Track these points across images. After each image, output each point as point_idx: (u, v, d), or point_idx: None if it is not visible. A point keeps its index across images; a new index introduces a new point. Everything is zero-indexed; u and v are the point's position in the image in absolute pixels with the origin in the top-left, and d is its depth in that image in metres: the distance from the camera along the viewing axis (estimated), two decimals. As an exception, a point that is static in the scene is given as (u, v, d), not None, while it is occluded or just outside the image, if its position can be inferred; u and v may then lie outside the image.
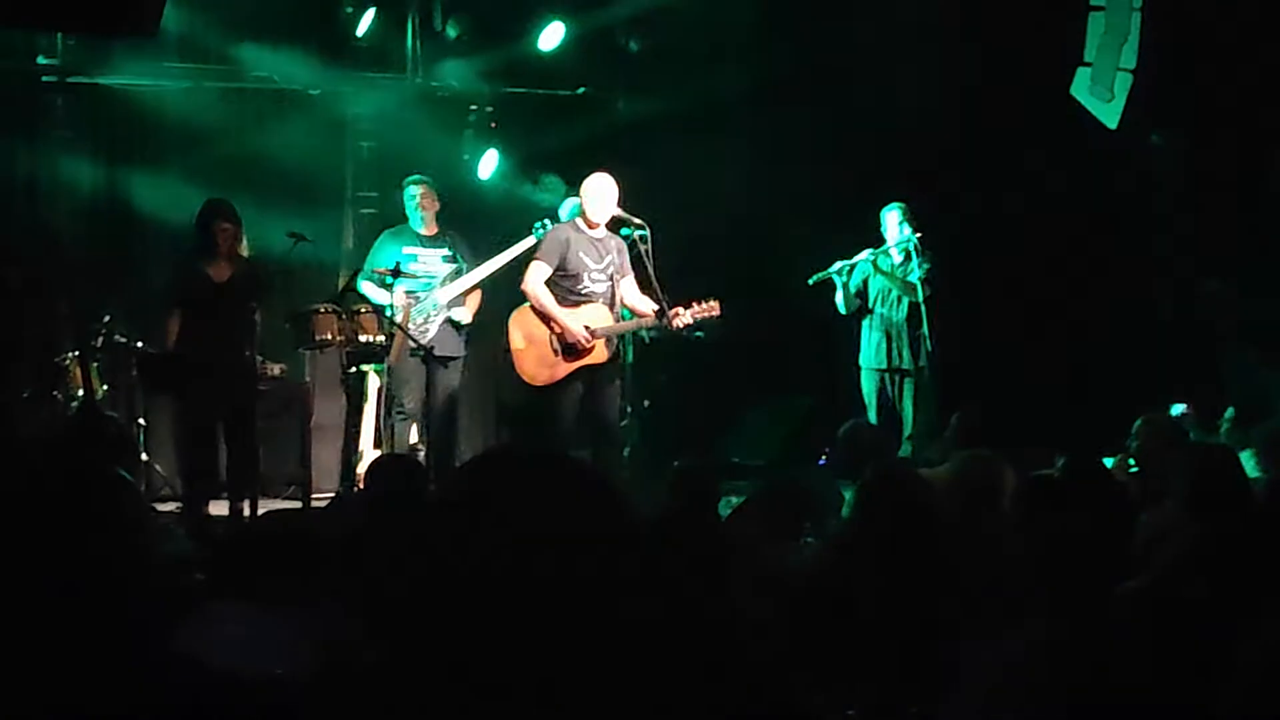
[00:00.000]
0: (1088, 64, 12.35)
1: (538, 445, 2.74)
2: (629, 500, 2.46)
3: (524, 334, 10.82)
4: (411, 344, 10.97)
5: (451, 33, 12.89)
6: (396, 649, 2.35)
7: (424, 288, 11.37)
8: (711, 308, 10.79)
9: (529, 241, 11.26)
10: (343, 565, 4.98)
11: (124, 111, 12.46)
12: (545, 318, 10.73)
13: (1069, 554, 4.27)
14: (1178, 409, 11.08)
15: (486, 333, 11.81)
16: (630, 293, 10.96)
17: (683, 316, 10.72)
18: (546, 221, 11.27)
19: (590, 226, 10.83)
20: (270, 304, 10.72)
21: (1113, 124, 12.33)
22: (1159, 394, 11.78)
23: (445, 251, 11.55)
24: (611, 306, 10.89)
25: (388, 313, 10.97)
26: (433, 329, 11.33)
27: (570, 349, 10.72)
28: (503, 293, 11.31)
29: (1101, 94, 12.29)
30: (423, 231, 11.55)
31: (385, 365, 11.18)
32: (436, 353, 11.15)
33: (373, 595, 4.29)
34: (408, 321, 11.13)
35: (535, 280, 10.72)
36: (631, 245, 11.02)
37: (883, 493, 5.83)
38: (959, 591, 5.15)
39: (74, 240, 12.40)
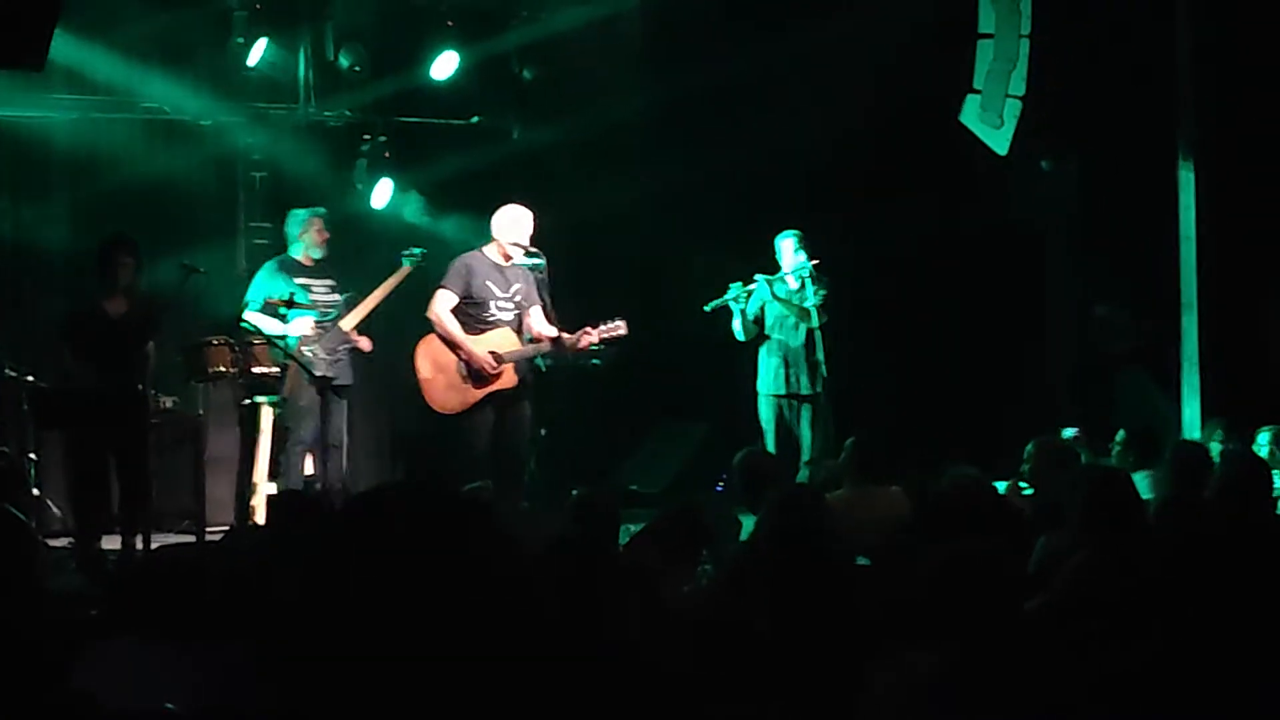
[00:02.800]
0: (977, 91, 12.43)
1: (439, 476, 2.73)
2: (521, 534, 2.45)
3: (431, 363, 10.83)
4: (306, 376, 10.88)
5: (344, 62, 12.81)
6: (288, 686, 2.33)
7: (328, 317, 11.33)
8: (617, 327, 10.92)
9: (405, 270, 11.25)
10: (237, 601, 4.94)
11: (11, 144, 12.29)
12: (451, 345, 10.74)
13: (968, 576, 4.29)
14: (1069, 432, 11.20)
15: (382, 365, 11.77)
16: (538, 322, 11.00)
17: (590, 336, 10.83)
18: (418, 250, 11.26)
19: (504, 258, 10.87)
20: (162, 337, 10.62)
21: (1003, 150, 12.42)
22: (1051, 417, 11.90)
23: (331, 281, 11.52)
24: (518, 334, 10.93)
25: (282, 343, 10.89)
26: (344, 359, 11.32)
27: (478, 376, 10.75)
28: (410, 324, 11.25)
29: (991, 120, 12.38)
30: (309, 262, 11.48)
31: (280, 397, 11.11)
32: (339, 383, 11.13)
33: (266, 632, 4.26)
34: (301, 352, 11.05)
35: (441, 308, 10.76)
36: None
37: (788, 517, 5.86)
38: (861, 615, 5.17)
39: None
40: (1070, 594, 5.54)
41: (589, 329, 10.92)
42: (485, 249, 11.01)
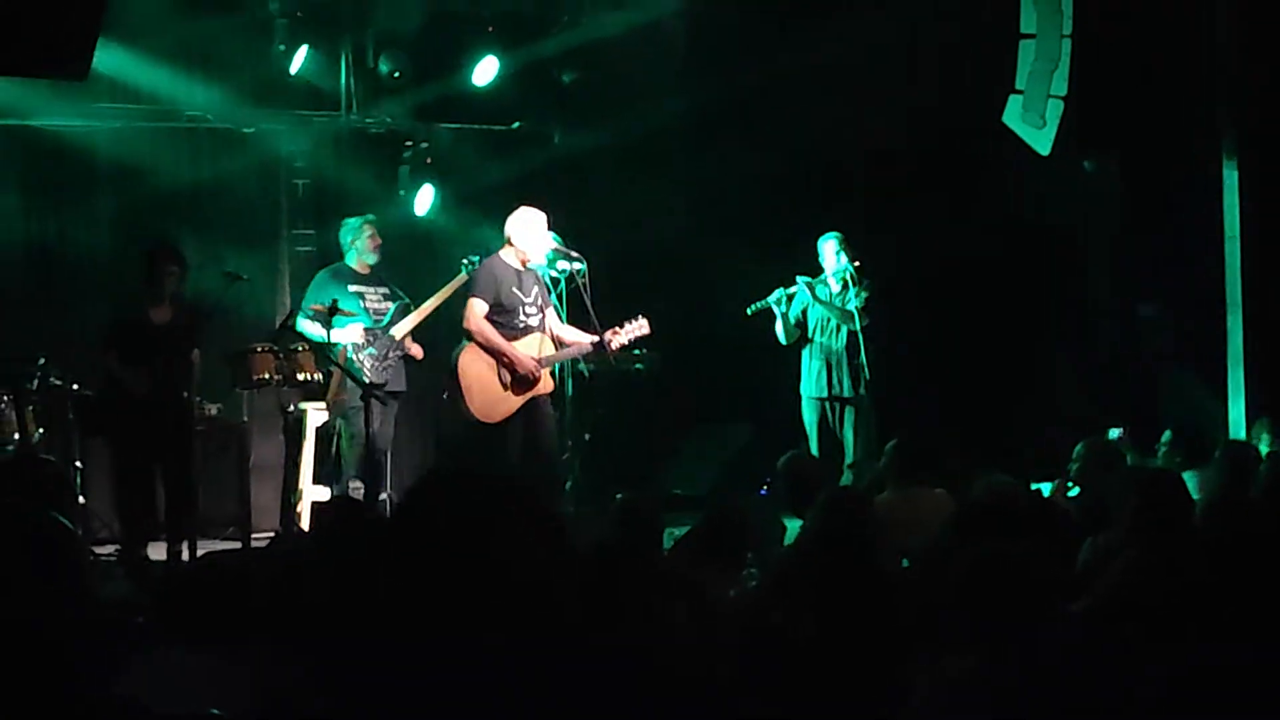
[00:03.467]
0: (1019, 91, 12.40)
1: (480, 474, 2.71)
2: (571, 528, 2.45)
3: (472, 372, 10.76)
4: (351, 382, 10.87)
5: (385, 69, 12.85)
6: (337, 692, 2.33)
7: (380, 324, 11.35)
8: (640, 325, 10.92)
9: (462, 278, 11.22)
10: (283, 606, 4.94)
11: (55, 153, 12.34)
12: (494, 352, 10.69)
13: (996, 579, 4.28)
14: (1114, 432, 11.14)
15: (427, 371, 11.76)
16: (555, 325, 11.00)
17: (619, 337, 10.84)
18: (475, 257, 11.23)
19: (522, 262, 10.84)
20: (206, 345, 10.67)
21: (1045, 150, 12.38)
22: (1096, 418, 11.84)
23: (385, 288, 11.55)
24: (550, 337, 10.95)
25: (328, 350, 10.89)
26: (395, 364, 11.33)
27: (521, 381, 10.73)
28: (450, 332, 11.25)
29: (1034, 120, 12.34)
30: (363, 270, 11.52)
31: (325, 402, 11.13)
32: (390, 389, 11.14)
33: (313, 637, 4.26)
34: (347, 358, 11.06)
35: (477, 317, 10.70)
36: (569, 279, 11.08)
37: (833, 520, 5.85)
38: (905, 618, 5.16)
39: (7, 282, 12.27)
40: (1117, 595, 5.51)
41: (616, 330, 10.93)
42: (502, 254, 10.91)
